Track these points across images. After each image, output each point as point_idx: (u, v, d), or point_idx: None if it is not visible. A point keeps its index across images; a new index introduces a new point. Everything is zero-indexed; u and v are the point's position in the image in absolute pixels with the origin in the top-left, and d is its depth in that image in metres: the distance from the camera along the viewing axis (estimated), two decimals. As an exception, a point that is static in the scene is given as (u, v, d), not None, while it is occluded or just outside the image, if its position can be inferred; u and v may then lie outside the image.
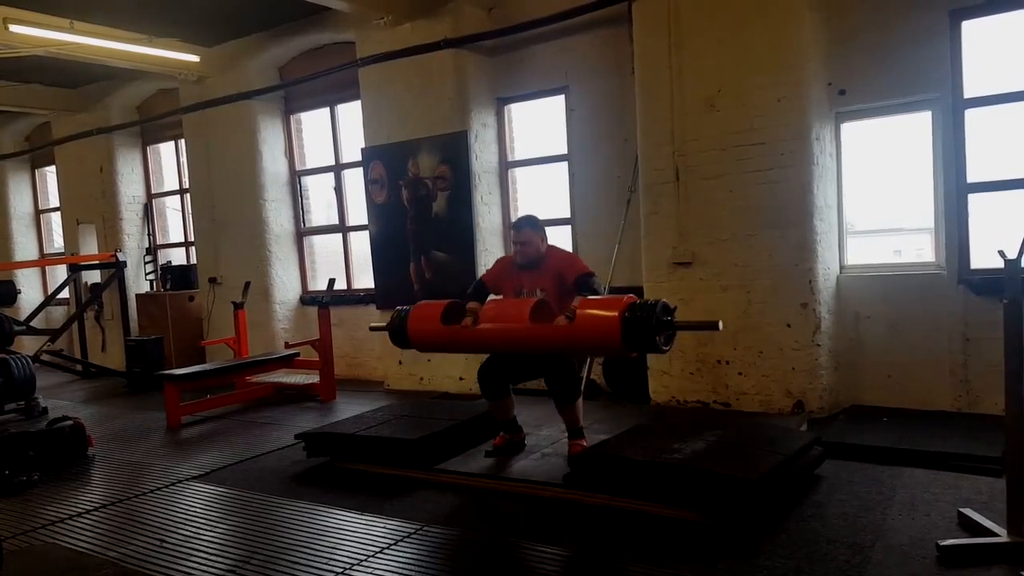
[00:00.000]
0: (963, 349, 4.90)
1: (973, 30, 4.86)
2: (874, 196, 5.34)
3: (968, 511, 3.25)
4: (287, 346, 7.43)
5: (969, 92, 4.89)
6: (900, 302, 5.11)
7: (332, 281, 7.25)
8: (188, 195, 9.51)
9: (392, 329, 4.55)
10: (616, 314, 3.70)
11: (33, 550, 3.60)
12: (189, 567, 3.29)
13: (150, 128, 10.05)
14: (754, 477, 3.37)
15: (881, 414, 4.97)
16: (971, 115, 4.90)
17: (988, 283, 4.70)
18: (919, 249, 5.31)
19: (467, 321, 4.21)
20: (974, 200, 4.93)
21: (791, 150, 5.03)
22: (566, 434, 4.41)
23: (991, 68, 4.86)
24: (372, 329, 5.06)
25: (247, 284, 8.06)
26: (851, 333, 5.30)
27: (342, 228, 8.31)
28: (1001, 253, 2.99)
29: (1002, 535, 2.98)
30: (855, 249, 5.41)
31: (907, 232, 5.40)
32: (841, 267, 5.37)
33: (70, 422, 5.32)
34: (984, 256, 4.85)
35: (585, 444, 4.24)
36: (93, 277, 10.12)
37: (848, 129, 5.32)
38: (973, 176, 4.92)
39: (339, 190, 8.25)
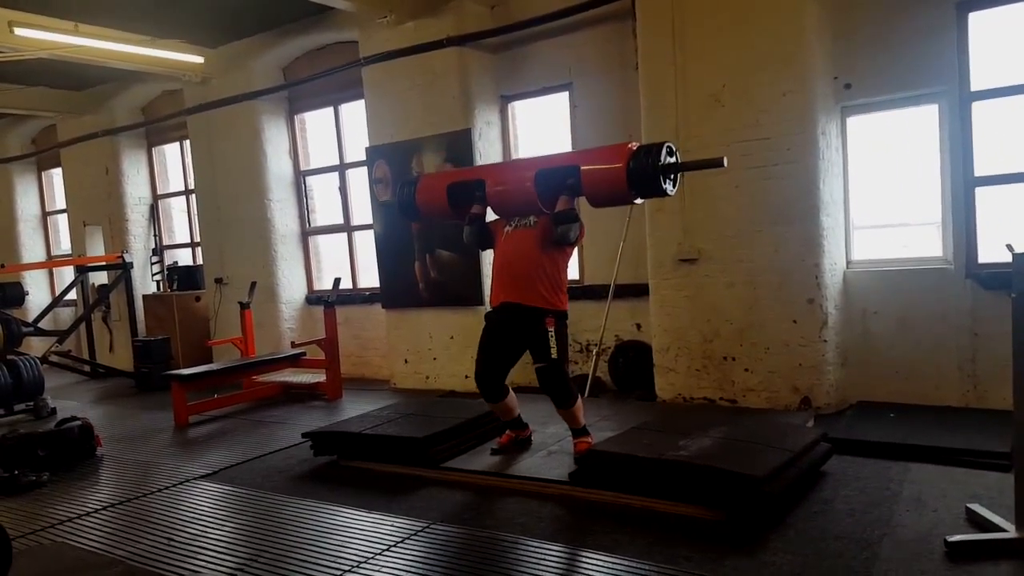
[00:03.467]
0: (971, 344, 4.87)
1: (980, 22, 4.83)
2: (881, 190, 5.31)
3: (976, 507, 3.23)
4: (293, 345, 7.45)
5: (976, 85, 4.85)
6: (907, 297, 5.08)
7: (337, 280, 7.27)
8: (193, 196, 9.55)
9: (400, 198, 4.79)
10: (621, 165, 3.89)
11: (43, 549, 3.62)
12: (197, 565, 3.30)
13: (155, 129, 10.09)
14: (761, 474, 3.36)
15: (888, 410, 4.95)
16: (978, 108, 4.86)
17: (996, 277, 4.67)
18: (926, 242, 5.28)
19: (476, 208, 4.42)
20: (982, 194, 4.90)
21: (796, 145, 5.01)
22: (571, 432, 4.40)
23: (999, 60, 4.82)
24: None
25: (253, 284, 8.08)
26: (858, 328, 5.28)
27: (347, 228, 8.32)
28: (1009, 247, 2.97)
29: (1010, 531, 2.96)
30: (862, 244, 5.38)
31: (914, 226, 5.36)
32: (848, 262, 5.34)
33: (79, 422, 5.36)
34: (992, 250, 4.82)
35: (591, 441, 4.23)
36: (100, 278, 10.17)
37: (854, 123, 5.29)
38: (981, 170, 4.88)
39: (343, 189, 8.27)
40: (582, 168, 4.07)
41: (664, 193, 3.94)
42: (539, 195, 4.17)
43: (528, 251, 4.24)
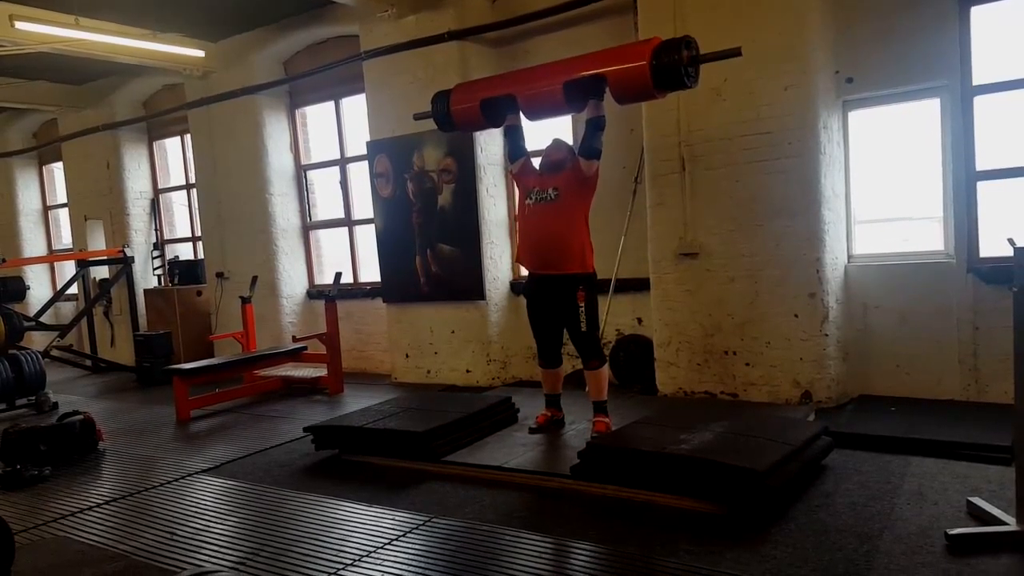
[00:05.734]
0: (972, 338, 4.87)
1: (982, 16, 4.81)
2: (882, 185, 5.30)
3: (977, 500, 3.24)
4: (294, 340, 7.46)
5: (978, 79, 4.84)
6: (909, 291, 5.08)
7: (338, 275, 7.27)
8: (194, 190, 9.55)
9: (435, 113, 5.00)
10: (645, 63, 4.08)
11: (45, 543, 3.64)
12: (199, 560, 3.31)
13: (156, 124, 10.08)
14: (762, 468, 3.37)
15: (889, 403, 4.96)
16: (980, 102, 4.85)
17: (997, 271, 4.67)
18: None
19: (511, 119, 4.69)
20: (983, 188, 4.89)
21: (798, 139, 5.00)
22: (575, 424, 4.43)
23: (1000, 54, 4.81)
24: (417, 117, 5.31)
25: (254, 278, 8.09)
26: (859, 323, 5.28)
27: (348, 222, 8.32)
28: (1010, 241, 2.97)
29: (1011, 524, 2.97)
30: (863, 238, 5.38)
31: (916, 221, 5.36)
32: (849, 256, 5.34)
33: (80, 417, 5.36)
34: (993, 244, 4.82)
35: (608, 422, 4.40)
36: (101, 273, 10.18)
37: (856, 117, 5.28)
38: (982, 164, 4.88)
39: (344, 184, 8.26)
40: (608, 70, 4.25)
41: (686, 86, 4.13)
42: (568, 103, 4.47)
43: (550, 227, 4.47)
